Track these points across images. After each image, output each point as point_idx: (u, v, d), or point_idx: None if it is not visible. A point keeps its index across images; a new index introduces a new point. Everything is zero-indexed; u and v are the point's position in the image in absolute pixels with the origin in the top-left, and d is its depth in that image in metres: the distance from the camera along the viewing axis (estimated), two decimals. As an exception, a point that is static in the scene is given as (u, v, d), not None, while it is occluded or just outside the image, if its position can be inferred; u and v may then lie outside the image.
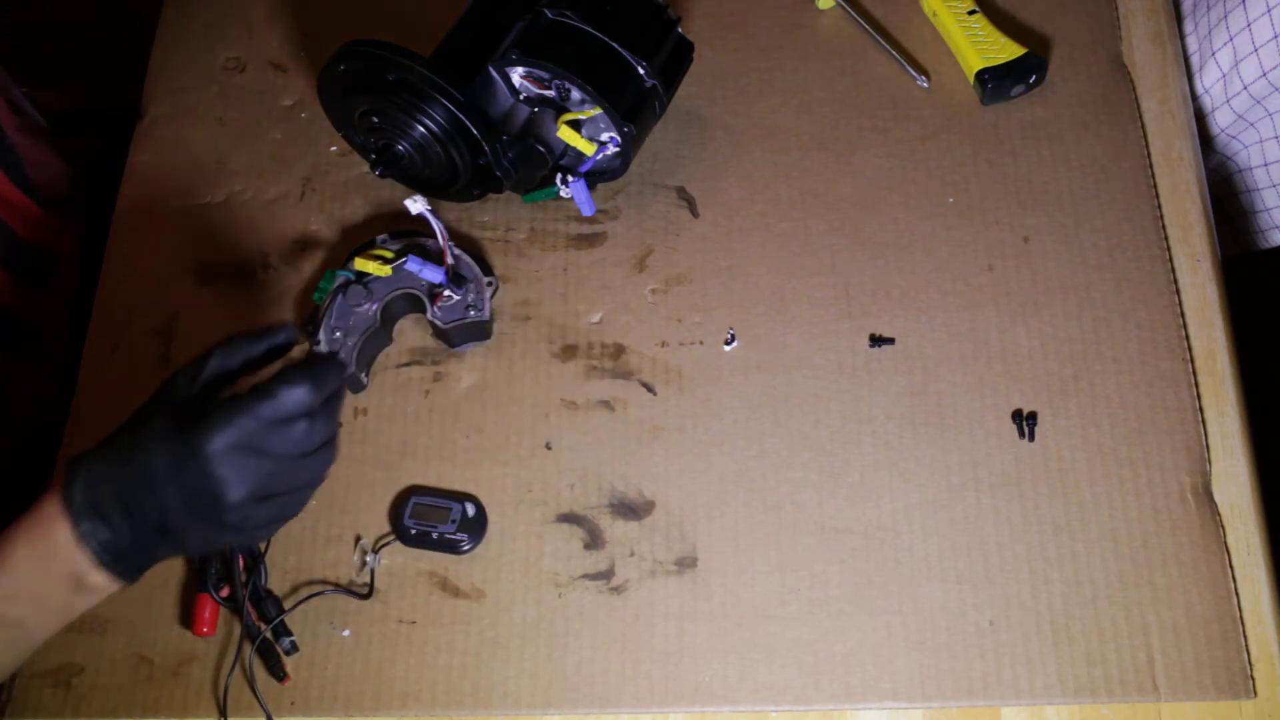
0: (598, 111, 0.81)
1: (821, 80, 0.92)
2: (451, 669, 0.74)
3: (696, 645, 0.74)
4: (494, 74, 0.81)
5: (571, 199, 0.84)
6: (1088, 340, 0.81)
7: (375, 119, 0.82)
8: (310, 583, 0.77)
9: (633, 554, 0.77)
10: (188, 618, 0.76)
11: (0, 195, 0.87)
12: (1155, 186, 0.86)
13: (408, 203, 0.82)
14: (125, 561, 0.62)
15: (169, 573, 0.77)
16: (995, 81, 0.88)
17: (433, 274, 0.81)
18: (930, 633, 0.74)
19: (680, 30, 0.83)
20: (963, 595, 0.74)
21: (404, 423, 0.81)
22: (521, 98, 0.82)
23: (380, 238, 0.85)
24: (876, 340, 0.82)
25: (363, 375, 0.82)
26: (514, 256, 0.86)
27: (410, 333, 0.85)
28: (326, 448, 0.63)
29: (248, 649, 0.75)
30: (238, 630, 0.75)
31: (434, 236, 0.82)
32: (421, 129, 0.80)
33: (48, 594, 0.62)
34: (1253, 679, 0.72)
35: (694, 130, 0.90)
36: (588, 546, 0.77)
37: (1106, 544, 0.75)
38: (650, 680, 0.74)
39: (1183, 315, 0.82)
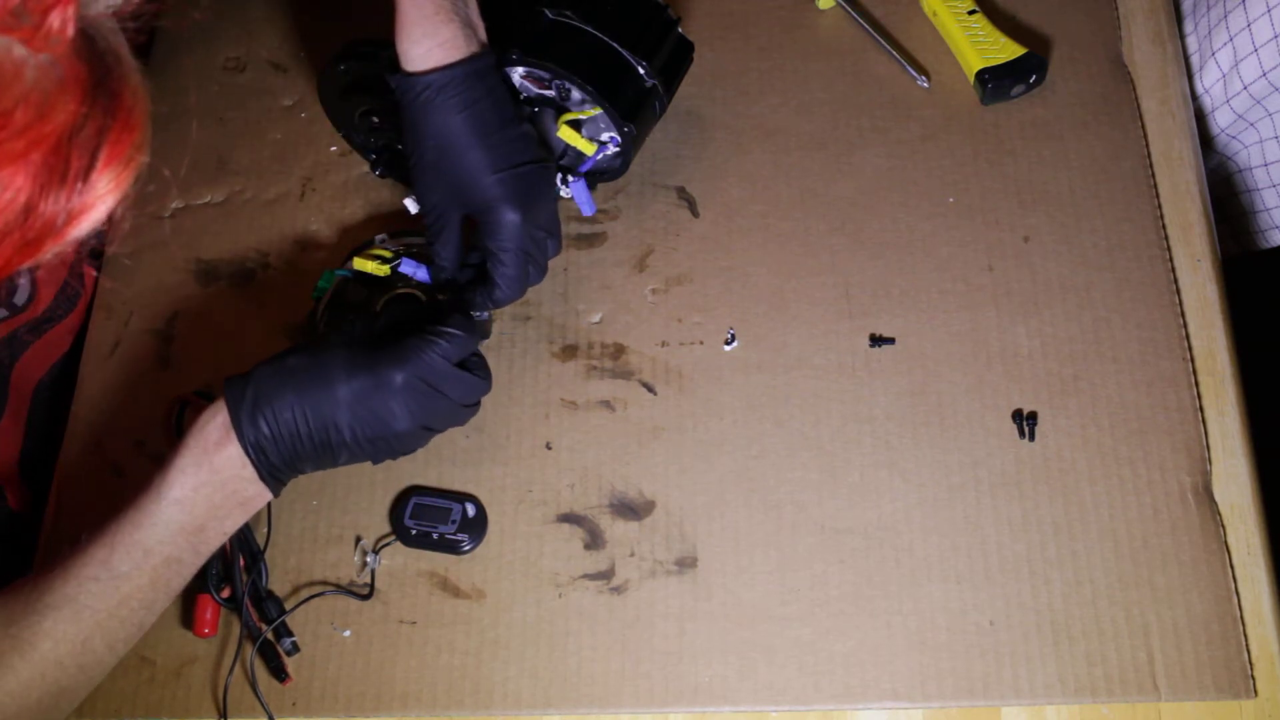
0: (598, 111, 0.81)
1: (821, 80, 0.92)
2: (452, 669, 0.75)
3: (696, 645, 0.74)
4: (494, 74, 0.81)
5: (571, 199, 0.84)
6: (1088, 340, 0.81)
7: (375, 119, 0.82)
8: (311, 583, 0.77)
9: (633, 554, 0.77)
10: (188, 618, 0.76)
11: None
12: (1155, 186, 0.86)
13: (407, 202, 0.82)
14: (277, 477, 0.69)
15: (169, 573, 0.77)
16: (995, 81, 0.88)
17: (427, 275, 0.81)
18: (930, 633, 0.74)
19: (680, 30, 0.83)
20: (963, 595, 0.74)
21: (404, 423, 0.81)
22: (521, 98, 0.82)
23: (379, 237, 0.85)
24: (876, 340, 0.82)
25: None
26: (514, 256, 0.86)
27: (410, 333, 0.85)
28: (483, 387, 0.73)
29: (249, 650, 0.75)
30: (238, 631, 0.75)
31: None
32: (421, 129, 0.80)
33: (206, 526, 0.68)
34: (1253, 679, 0.72)
35: (694, 130, 0.90)
36: (588, 546, 0.77)
37: (1106, 544, 0.75)
38: (650, 680, 0.74)
39: (1183, 315, 0.82)
